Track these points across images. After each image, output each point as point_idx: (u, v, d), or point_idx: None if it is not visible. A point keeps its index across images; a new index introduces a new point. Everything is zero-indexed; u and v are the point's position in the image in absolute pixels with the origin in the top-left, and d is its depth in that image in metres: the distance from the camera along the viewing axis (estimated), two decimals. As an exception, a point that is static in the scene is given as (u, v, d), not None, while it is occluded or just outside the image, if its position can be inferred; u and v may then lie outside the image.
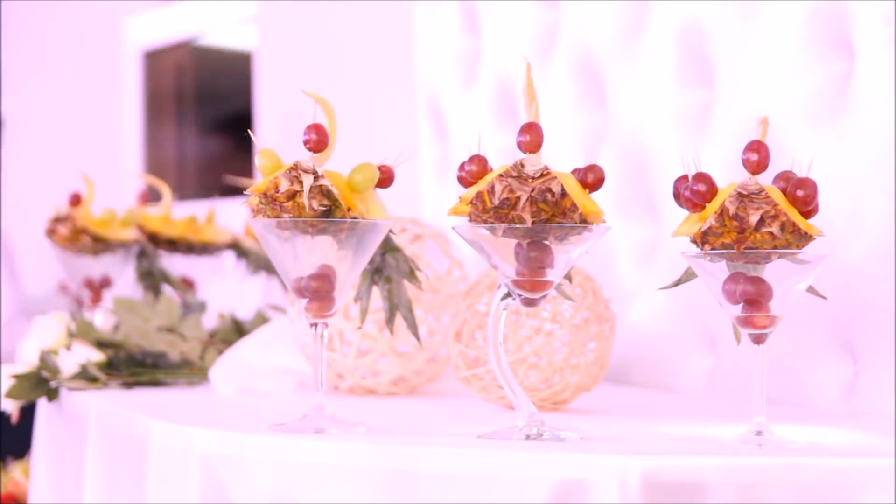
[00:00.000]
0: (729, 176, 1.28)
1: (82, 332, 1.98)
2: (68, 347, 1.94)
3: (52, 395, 1.94)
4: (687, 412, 1.62)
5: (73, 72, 5.26)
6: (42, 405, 2.03)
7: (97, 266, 2.26)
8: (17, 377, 1.93)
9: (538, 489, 1.12)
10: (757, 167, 1.20)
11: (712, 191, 1.21)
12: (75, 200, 2.24)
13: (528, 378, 1.54)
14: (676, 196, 1.24)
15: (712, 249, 1.20)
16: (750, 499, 1.10)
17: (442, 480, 1.16)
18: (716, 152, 1.77)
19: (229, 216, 2.74)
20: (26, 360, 1.98)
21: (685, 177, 1.23)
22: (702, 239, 1.20)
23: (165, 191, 2.46)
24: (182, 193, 3.92)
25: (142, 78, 4.46)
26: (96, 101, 5.28)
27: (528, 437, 1.25)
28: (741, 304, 1.21)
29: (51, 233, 2.24)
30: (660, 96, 1.90)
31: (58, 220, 2.23)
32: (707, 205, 1.21)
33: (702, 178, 1.21)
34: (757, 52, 1.72)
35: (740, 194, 1.19)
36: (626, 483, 1.10)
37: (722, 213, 1.19)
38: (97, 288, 2.27)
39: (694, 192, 1.21)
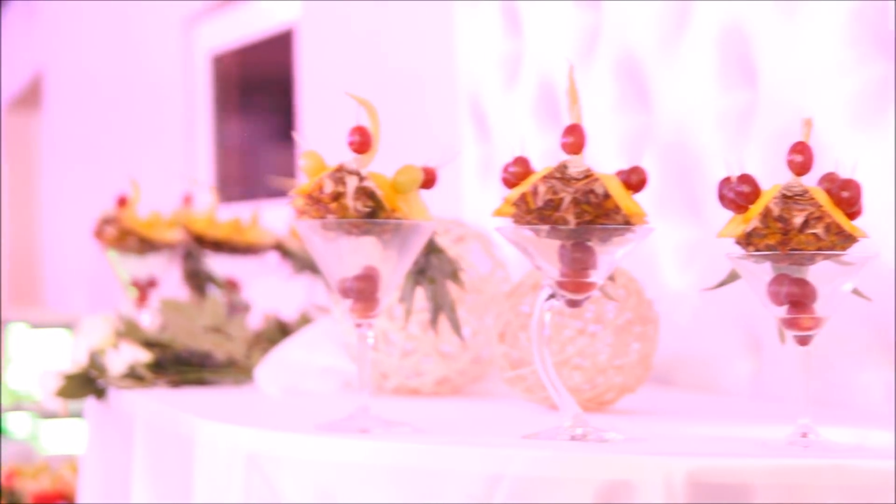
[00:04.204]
0: (772, 177, 1.28)
1: (130, 332, 2.00)
2: (116, 347, 1.96)
3: (101, 394, 1.96)
4: (731, 413, 1.61)
5: (137, 74, 5.27)
6: (91, 404, 2.05)
7: (144, 267, 2.28)
8: (67, 377, 1.95)
9: (583, 490, 1.13)
10: (801, 168, 1.20)
11: (756, 192, 1.21)
12: (122, 202, 2.26)
13: (571, 379, 1.54)
14: (720, 197, 1.24)
15: (757, 251, 1.20)
16: (795, 500, 1.10)
17: (487, 481, 1.16)
18: (759, 153, 1.76)
19: (273, 218, 2.76)
20: (75, 360, 2.00)
21: (729, 178, 1.23)
22: (746, 240, 1.20)
23: (210, 193, 2.48)
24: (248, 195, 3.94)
25: (211, 80, 4.46)
26: (150, 106, 5.31)
27: (572, 437, 1.25)
28: (786, 306, 1.21)
29: (98, 234, 2.26)
30: (702, 97, 1.90)
31: (105, 221, 2.25)
32: (751, 206, 1.21)
33: (746, 179, 1.21)
34: (800, 53, 1.72)
35: (785, 196, 1.19)
36: (671, 484, 1.10)
37: (766, 214, 1.19)
38: (144, 288, 2.29)
39: (738, 193, 1.21)
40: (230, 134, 4.48)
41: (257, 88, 4.30)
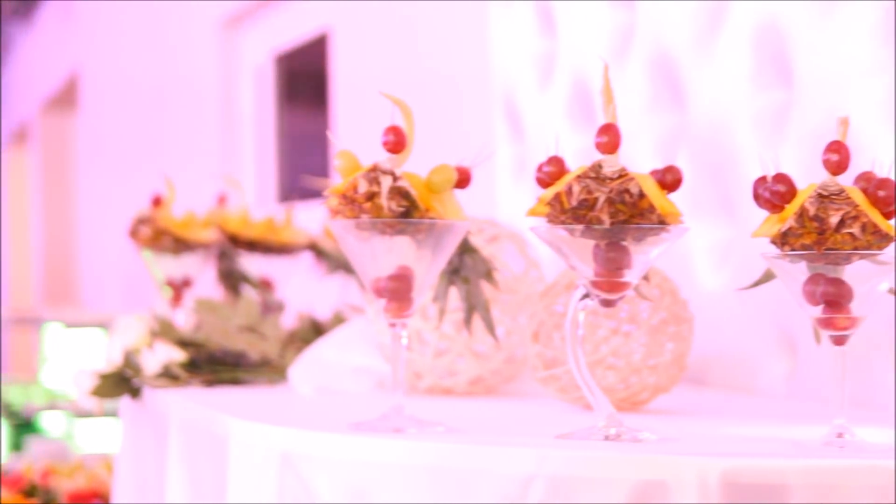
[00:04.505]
0: (808, 177, 1.28)
1: (164, 331, 2.01)
2: (151, 347, 1.97)
3: (135, 393, 1.97)
4: (766, 414, 1.61)
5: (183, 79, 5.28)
6: (125, 403, 2.06)
7: (179, 266, 2.29)
8: (102, 376, 1.96)
9: (617, 490, 1.12)
10: (837, 168, 1.20)
11: (792, 191, 1.21)
12: (157, 202, 2.27)
13: (605, 378, 1.54)
14: (755, 197, 1.23)
15: (792, 251, 1.19)
16: (830, 501, 1.09)
17: (520, 481, 1.16)
18: (794, 153, 1.76)
19: (307, 218, 2.76)
20: (110, 360, 2.01)
21: (764, 177, 1.23)
22: (781, 240, 1.20)
23: (242, 192, 2.48)
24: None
25: (275, 81, 4.46)
26: (185, 106, 5.33)
27: (606, 437, 1.25)
28: (821, 306, 1.21)
29: (133, 234, 2.27)
30: (737, 96, 1.89)
31: (140, 221, 2.26)
32: (786, 206, 1.21)
33: (781, 178, 1.21)
34: (836, 52, 1.71)
35: (820, 195, 1.18)
36: (706, 484, 1.10)
37: (802, 214, 1.18)
38: (179, 288, 2.30)
39: (773, 192, 1.21)
40: (290, 132, 4.46)
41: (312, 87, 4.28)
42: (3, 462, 4.57)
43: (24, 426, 5.33)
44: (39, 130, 9.04)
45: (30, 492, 3.36)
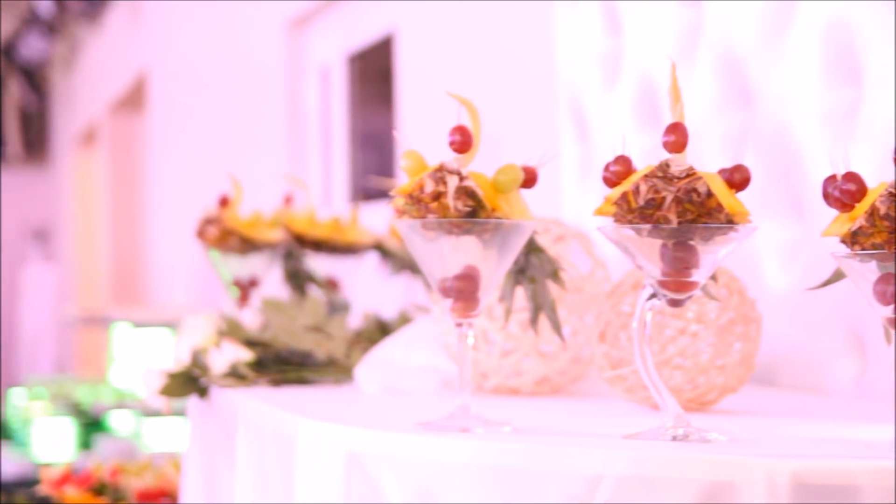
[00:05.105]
0: (878, 175, 1.26)
1: (231, 331, 2.02)
2: (218, 346, 1.98)
3: (203, 392, 1.98)
4: (836, 414, 1.59)
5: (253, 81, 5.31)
6: (193, 403, 2.08)
7: (245, 266, 2.30)
8: (170, 375, 1.98)
9: (685, 490, 1.12)
10: (908, 166, 1.19)
11: (862, 190, 1.19)
12: (224, 202, 2.29)
13: (672, 379, 1.53)
14: (825, 196, 1.22)
15: (862, 250, 1.18)
16: (901, 502, 1.08)
17: (588, 481, 1.16)
18: (864, 151, 1.74)
19: (373, 218, 2.77)
20: (178, 359, 2.03)
21: (834, 176, 1.21)
22: (851, 239, 1.19)
23: (308, 192, 2.49)
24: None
25: (346, 80, 4.47)
26: (252, 106, 5.36)
27: (674, 437, 1.24)
28: (892, 305, 1.19)
29: (201, 234, 2.29)
30: (806, 94, 1.87)
31: (208, 221, 2.28)
32: (857, 205, 1.19)
33: (851, 177, 1.20)
34: (907, 49, 1.69)
35: (891, 194, 1.17)
36: (775, 485, 1.09)
37: (872, 212, 1.17)
38: (245, 288, 2.31)
39: (843, 191, 1.20)
40: (365, 132, 4.47)
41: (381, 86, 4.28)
42: (72, 460, 4.62)
43: (92, 425, 5.38)
44: (108, 131, 9.13)
45: (99, 490, 3.39)
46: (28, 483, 3.92)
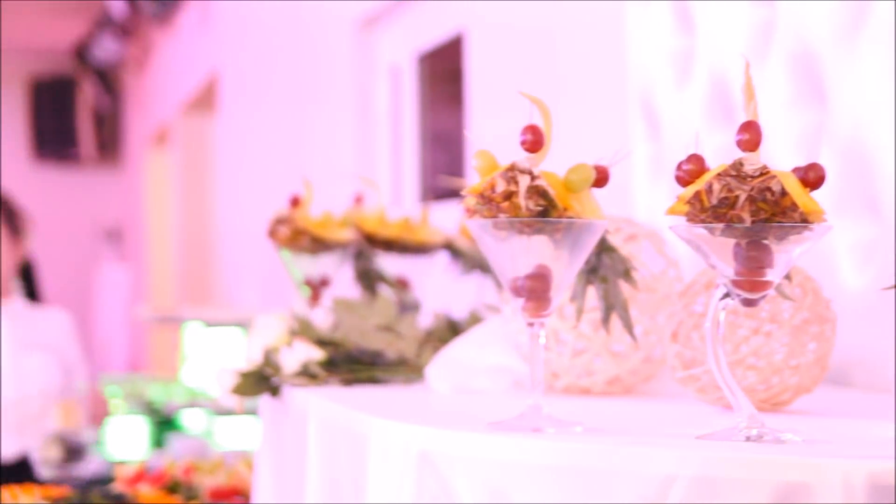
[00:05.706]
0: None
1: (303, 330, 2.03)
2: (290, 345, 1.99)
3: (275, 391, 1.99)
4: (912, 415, 1.58)
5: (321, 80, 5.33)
6: (265, 401, 2.09)
7: (316, 266, 2.31)
8: (242, 374, 1.99)
9: (759, 491, 1.11)
10: None
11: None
12: (295, 202, 2.30)
13: (746, 379, 1.52)
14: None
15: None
16: (980, 505, 1.07)
17: (661, 481, 1.15)
18: (941, 149, 1.72)
19: (443, 218, 2.77)
20: (250, 358, 2.04)
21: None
22: None
23: (379, 192, 2.50)
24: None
25: (416, 80, 4.47)
26: (323, 106, 5.38)
27: (748, 438, 1.23)
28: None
29: (272, 234, 2.30)
30: (881, 92, 1.85)
31: (279, 221, 2.29)
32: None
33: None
34: (985, 45, 1.67)
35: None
36: (851, 486, 1.08)
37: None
38: (317, 287, 2.32)
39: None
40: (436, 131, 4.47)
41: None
42: (146, 459, 4.66)
43: (165, 423, 5.42)
44: (179, 132, 9.20)
45: (172, 488, 3.42)
46: (102, 481, 3.96)
